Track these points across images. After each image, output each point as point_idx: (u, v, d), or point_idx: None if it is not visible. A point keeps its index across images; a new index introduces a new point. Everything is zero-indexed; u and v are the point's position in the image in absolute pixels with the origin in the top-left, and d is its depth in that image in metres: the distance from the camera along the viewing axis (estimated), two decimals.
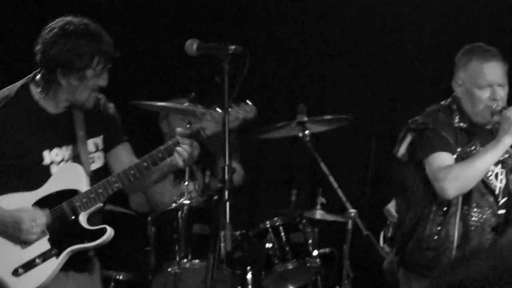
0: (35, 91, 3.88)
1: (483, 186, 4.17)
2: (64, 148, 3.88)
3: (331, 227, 6.12)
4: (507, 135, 4.02)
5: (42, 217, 3.76)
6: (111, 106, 4.07)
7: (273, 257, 5.38)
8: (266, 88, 7.17)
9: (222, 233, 3.30)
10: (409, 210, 4.29)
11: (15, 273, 3.78)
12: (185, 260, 5.10)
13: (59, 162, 3.86)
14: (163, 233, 5.22)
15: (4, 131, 3.81)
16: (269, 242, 5.41)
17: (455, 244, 4.14)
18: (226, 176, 3.35)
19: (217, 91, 3.54)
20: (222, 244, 3.32)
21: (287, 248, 5.41)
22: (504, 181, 4.25)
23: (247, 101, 3.69)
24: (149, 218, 5.30)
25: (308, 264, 5.44)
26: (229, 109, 3.54)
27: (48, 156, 3.84)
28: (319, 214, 5.97)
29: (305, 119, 5.48)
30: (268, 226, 5.44)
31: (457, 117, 4.20)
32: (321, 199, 6.01)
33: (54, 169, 3.85)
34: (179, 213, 5.10)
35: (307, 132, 5.48)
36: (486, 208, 4.18)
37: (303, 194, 6.40)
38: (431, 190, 4.12)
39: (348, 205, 5.58)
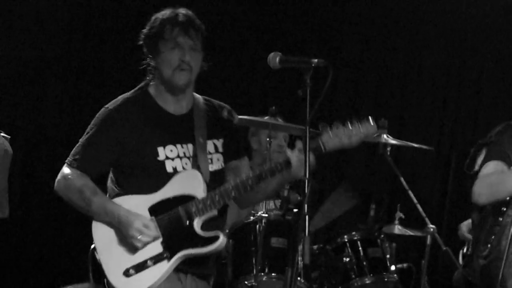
0: (152, 91, 3.99)
1: None
2: (178, 146, 3.92)
3: (409, 242, 6.08)
4: None
5: (152, 229, 3.79)
6: (229, 115, 4.12)
7: (350, 272, 5.37)
8: (350, 101, 7.19)
9: (300, 247, 3.29)
10: (478, 222, 4.26)
11: (126, 273, 3.82)
12: (262, 273, 5.09)
13: (174, 158, 3.90)
14: (240, 246, 5.22)
15: (122, 128, 3.90)
16: (347, 256, 5.40)
17: (506, 253, 4.08)
18: (306, 190, 3.35)
19: (298, 104, 3.56)
20: (300, 258, 3.31)
21: (364, 263, 5.39)
22: None
23: (370, 118, 3.69)
24: (227, 231, 5.33)
25: (385, 279, 5.42)
26: (351, 126, 3.58)
27: (163, 151, 3.89)
28: (397, 229, 5.93)
29: (385, 135, 5.47)
30: (346, 240, 5.44)
31: None
32: (400, 214, 5.97)
33: (169, 165, 3.89)
34: (257, 226, 5.09)
35: (388, 147, 5.46)
36: None
37: (382, 209, 6.36)
38: (498, 204, 4.09)
39: (427, 220, 5.54)
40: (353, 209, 5.94)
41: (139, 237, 3.75)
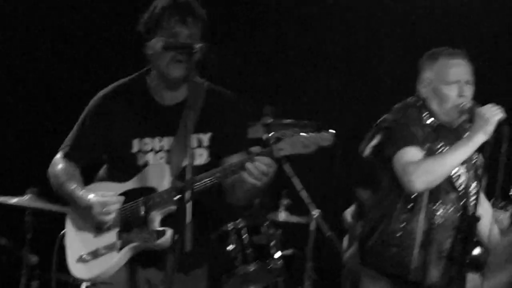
0: (150, 78, 3.87)
1: (448, 184, 4.18)
2: (157, 138, 3.82)
3: (295, 229, 6.09)
4: (479, 133, 4.03)
5: (114, 203, 3.71)
6: (231, 101, 3.94)
7: (234, 259, 5.35)
8: (237, 87, 7.12)
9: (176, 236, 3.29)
10: (375, 207, 4.28)
11: (81, 258, 3.79)
12: None
13: (148, 152, 3.81)
14: None
15: (108, 116, 3.83)
16: (231, 244, 5.37)
17: (417, 241, 4.15)
18: (188, 177, 3.28)
19: None
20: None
21: (249, 251, 5.38)
22: (464, 184, 4.25)
23: (330, 130, 3.60)
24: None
25: (269, 266, 5.41)
26: (308, 134, 3.49)
27: (138, 144, 3.81)
28: (282, 216, 5.94)
29: (270, 121, 5.44)
30: (231, 228, 5.40)
31: (426, 114, 4.20)
32: (285, 201, 5.98)
33: (141, 158, 3.81)
34: None
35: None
36: (449, 205, 4.20)
37: (266, 196, 6.36)
38: (398, 187, 4.12)
39: (311, 206, 5.55)
40: None
41: (104, 215, 3.69)
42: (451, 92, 4.16)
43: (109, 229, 3.77)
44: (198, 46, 3.49)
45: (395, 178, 4.13)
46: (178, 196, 3.39)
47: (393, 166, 4.14)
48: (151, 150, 3.82)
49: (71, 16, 7.24)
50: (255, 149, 3.61)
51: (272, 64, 7.34)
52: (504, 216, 4.52)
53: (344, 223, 5.82)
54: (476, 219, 4.05)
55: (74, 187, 3.82)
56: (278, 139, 3.59)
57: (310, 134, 3.55)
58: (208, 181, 3.64)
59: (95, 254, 3.79)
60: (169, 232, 3.65)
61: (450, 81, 4.17)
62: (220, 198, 3.83)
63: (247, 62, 7.29)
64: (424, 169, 4.04)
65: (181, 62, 3.68)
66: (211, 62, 3.55)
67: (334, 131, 3.55)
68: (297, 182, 5.56)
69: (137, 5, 3.85)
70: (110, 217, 3.71)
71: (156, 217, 3.71)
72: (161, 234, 3.68)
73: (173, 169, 3.76)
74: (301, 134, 3.56)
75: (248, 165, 3.56)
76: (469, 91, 4.18)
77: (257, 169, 3.55)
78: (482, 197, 4.33)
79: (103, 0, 7.30)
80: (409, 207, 4.15)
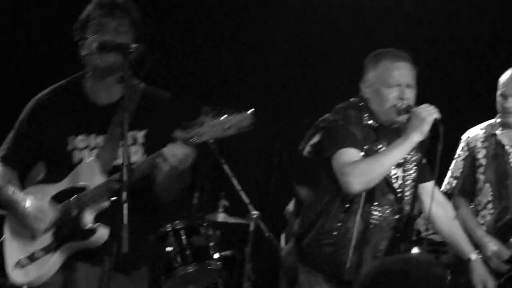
0: (86, 80, 3.84)
1: (385, 185, 4.21)
2: (92, 136, 3.79)
3: (234, 230, 6.09)
4: (415, 132, 4.05)
5: (47, 212, 3.71)
6: (165, 101, 3.92)
7: (173, 261, 5.33)
8: (176, 87, 7.09)
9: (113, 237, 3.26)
10: (312, 205, 4.29)
11: (18, 263, 3.76)
12: None
13: (83, 149, 3.78)
14: None
15: (42, 118, 3.81)
16: (170, 245, 5.35)
17: (353, 241, 4.16)
18: (124, 177, 3.27)
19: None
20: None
21: (187, 252, 5.36)
22: (401, 185, 4.28)
23: (249, 110, 3.58)
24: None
25: (208, 267, 5.40)
26: (226, 116, 3.46)
27: (73, 141, 3.78)
28: (221, 216, 5.94)
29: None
30: (169, 229, 5.38)
31: (366, 115, 4.22)
32: (224, 202, 5.98)
33: (76, 155, 3.78)
34: None
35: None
36: (386, 206, 4.22)
37: (205, 197, 6.35)
38: (336, 187, 4.13)
39: (250, 207, 5.57)
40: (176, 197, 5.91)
41: (37, 224, 3.70)
42: (392, 94, 4.17)
43: (44, 232, 3.74)
44: (134, 46, 3.48)
45: (333, 177, 4.13)
46: (114, 198, 3.37)
47: (332, 166, 4.15)
48: (86, 147, 3.80)
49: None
50: (178, 134, 3.61)
51: (209, 64, 7.34)
52: (506, 252, 4.76)
53: (287, 218, 5.83)
54: (413, 218, 4.10)
55: (11, 192, 3.80)
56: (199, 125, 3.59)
57: (229, 116, 3.55)
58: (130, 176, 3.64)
59: (32, 258, 3.76)
60: (100, 229, 3.64)
61: (391, 83, 4.18)
62: (154, 198, 3.82)
63: (182, 62, 7.27)
64: (361, 169, 4.05)
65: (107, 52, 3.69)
66: (147, 62, 3.53)
67: (252, 110, 3.55)
68: (236, 183, 5.57)
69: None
70: (44, 226, 3.71)
71: (88, 215, 3.69)
72: (93, 232, 3.66)
73: (102, 166, 3.74)
74: (220, 118, 3.56)
75: (163, 150, 3.58)
76: (410, 94, 4.19)
77: (170, 153, 3.56)
78: (439, 195, 4.44)
79: None
80: (346, 207, 4.16)
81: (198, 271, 5.39)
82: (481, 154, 5.04)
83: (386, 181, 4.20)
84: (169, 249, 5.34)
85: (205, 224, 5.52)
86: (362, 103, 4.26)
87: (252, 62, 7.32)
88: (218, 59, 7.37)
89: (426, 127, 4.03)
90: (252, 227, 5.66)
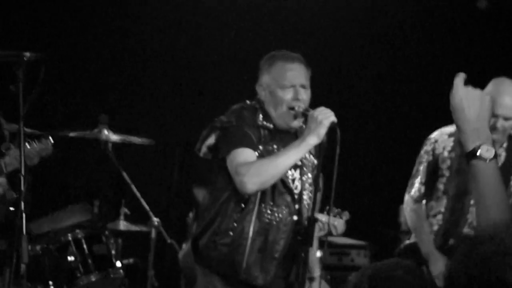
0: None
1: (282, 185, 4.24)
2: None
3: (136, 238, 6.08)
4: (311, 135, 4.07)
5: None
6: None
7: (75, 270, 5.28)
8: (71, 97, 7.03)
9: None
10: (209, 206, 4.30)
11: None
12: None
13: None
14: None
15: None
16: (71, 255, 5.30)
17: (249, 241, 4.16)
18: (22, 187, 3.25)
19: (12, 101, 3.42)
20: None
21: (89, 260, 5.32)
22: (299, 187, 4.33)
23: (49, 137, 3.55)
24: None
25: (111, 276, 5.38)
26: (29, 146, 3.43)
27: None
28: (122, 225, 5.92)
29: (106, 131, 5.47)
30: (70, 239, 5.33)
31: (261, 116, 4.25)
32: (125, 210, 5.96)
33: None
34: None
35: (110, 143, 5.46)
36: (283, 207, 4.23)
37: (106, 205, 6.32)
38: (231, 187, 4.15)
39: (151, 214, 5.58)
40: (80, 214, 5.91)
41: None
42: (286, 96, 4.19)
43: None
44: (27, 55, 3.45)
45: (229, 178, 4.15)
46: (12, 208, 3.35)
47: (227, 166, 4.17)
48: None
49: None
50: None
51: (105, 73, 7.30)
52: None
53: (189, 224, 5.86)
54: (313, 220, 4.14)
55: None
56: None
57: (32, 145, 3.54)
58: None
59: None
60: None
61: (285, 85, 4.19)
62: None
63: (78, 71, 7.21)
64: (256, 170, 4.06)
65: None
66: (40, 72, 3.50)
67: (50, 138, 3.57)
68: (135, 190, 5.57)
69: None
70: None
71: None
72: None
73: None
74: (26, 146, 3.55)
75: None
76: (304, 95, 4.21)
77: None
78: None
79: None
80: (241, 206, 4.17)
81: (101, 280, 5.35)
82: (445, 165, 4.81)
83: (283, 182, 4.21)
84: (71, 258, 5.29)
85: (106, 232, 5.49)
86: (258, 105, 4.30)
87: (144, 63, 7.31)
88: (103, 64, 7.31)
89: (322, 130, 4.05)
90: (153, 234, 5.66)
